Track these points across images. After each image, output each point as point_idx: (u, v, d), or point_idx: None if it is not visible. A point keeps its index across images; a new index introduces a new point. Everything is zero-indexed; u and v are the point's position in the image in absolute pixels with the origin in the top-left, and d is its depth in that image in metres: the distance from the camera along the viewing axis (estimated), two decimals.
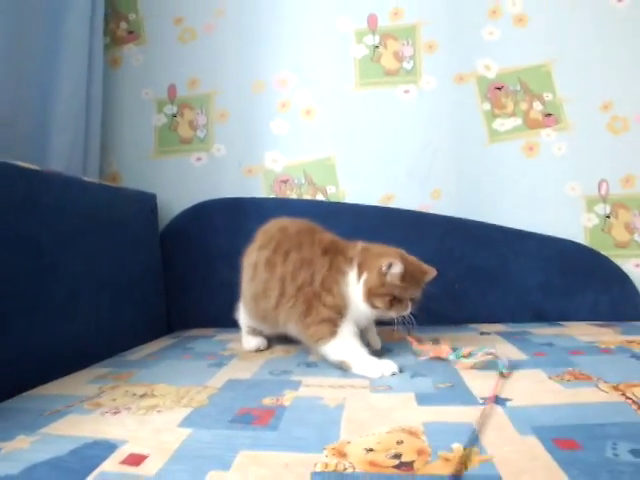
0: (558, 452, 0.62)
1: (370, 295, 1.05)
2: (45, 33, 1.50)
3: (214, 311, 1.37)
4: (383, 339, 1.23)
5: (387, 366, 0.99)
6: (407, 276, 1.04)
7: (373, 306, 1.05)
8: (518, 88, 1.70)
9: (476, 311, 1.62)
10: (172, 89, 1.84)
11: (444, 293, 1.62)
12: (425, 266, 1.11)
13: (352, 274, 1.08)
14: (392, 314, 1.07)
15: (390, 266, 1.02)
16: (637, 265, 1.63)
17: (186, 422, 0.77)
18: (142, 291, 1.58)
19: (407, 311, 1.07)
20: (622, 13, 1.65)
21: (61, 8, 1.53)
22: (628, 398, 0.79)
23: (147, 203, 1.70)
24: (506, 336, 1.32)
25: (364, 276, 1.06)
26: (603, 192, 1.65)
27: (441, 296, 1.60)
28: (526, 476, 0.57)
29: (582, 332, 1.34)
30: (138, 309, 1.53)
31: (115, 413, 0.82)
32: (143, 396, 0.91)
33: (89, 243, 1.31)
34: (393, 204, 1.72)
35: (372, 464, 0.62)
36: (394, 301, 1.05)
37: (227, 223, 1.72)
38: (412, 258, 1.11)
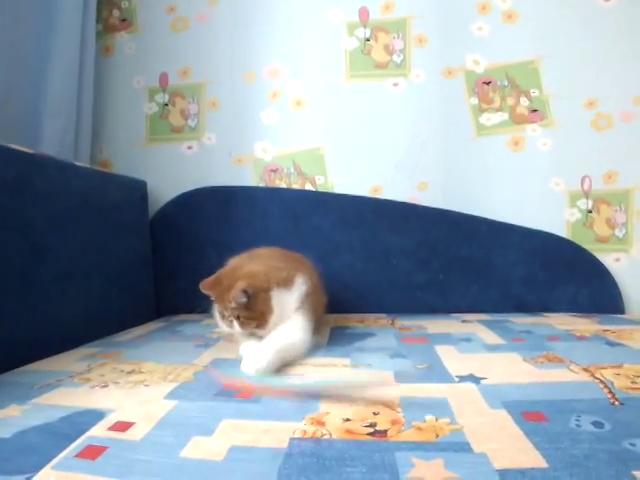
0: (525, 423, 0.66)
1: None
2: (38, 19, 1.50)
3: (202, 298, 1.38)
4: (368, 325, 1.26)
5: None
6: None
7: None
8: (505, 83, 1.72)
9: (460, 301, 1.66)
10: (164, 78, 1.85)
11: (429, 283, 1.67)
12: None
13: None
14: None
15: None
16: (617, 259, 1.67)
17: (172, 395, 0.80)
18: (131, 276, 1.60)
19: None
20: (609, 12, 1.67)
21: None
22: (596, 378, 0.82)
23: (138, 190, 1.71)
24: (487, 324, 1.35)
25: None
26: (586, 187, 1.68)
27: (426, 286, 1.66)
28: (493, 443, 0.61)
29: (561, 322, 1.37)
30: (127, 294, 1.55)
31: (103, 387, 0.85)
32: (131, 372, 0.93)
33: (80, 227, 1.33)
34: (381, 195, 1.75)
35: (348, 432, 0.65)
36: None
37: (217, 211, 1.75)
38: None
